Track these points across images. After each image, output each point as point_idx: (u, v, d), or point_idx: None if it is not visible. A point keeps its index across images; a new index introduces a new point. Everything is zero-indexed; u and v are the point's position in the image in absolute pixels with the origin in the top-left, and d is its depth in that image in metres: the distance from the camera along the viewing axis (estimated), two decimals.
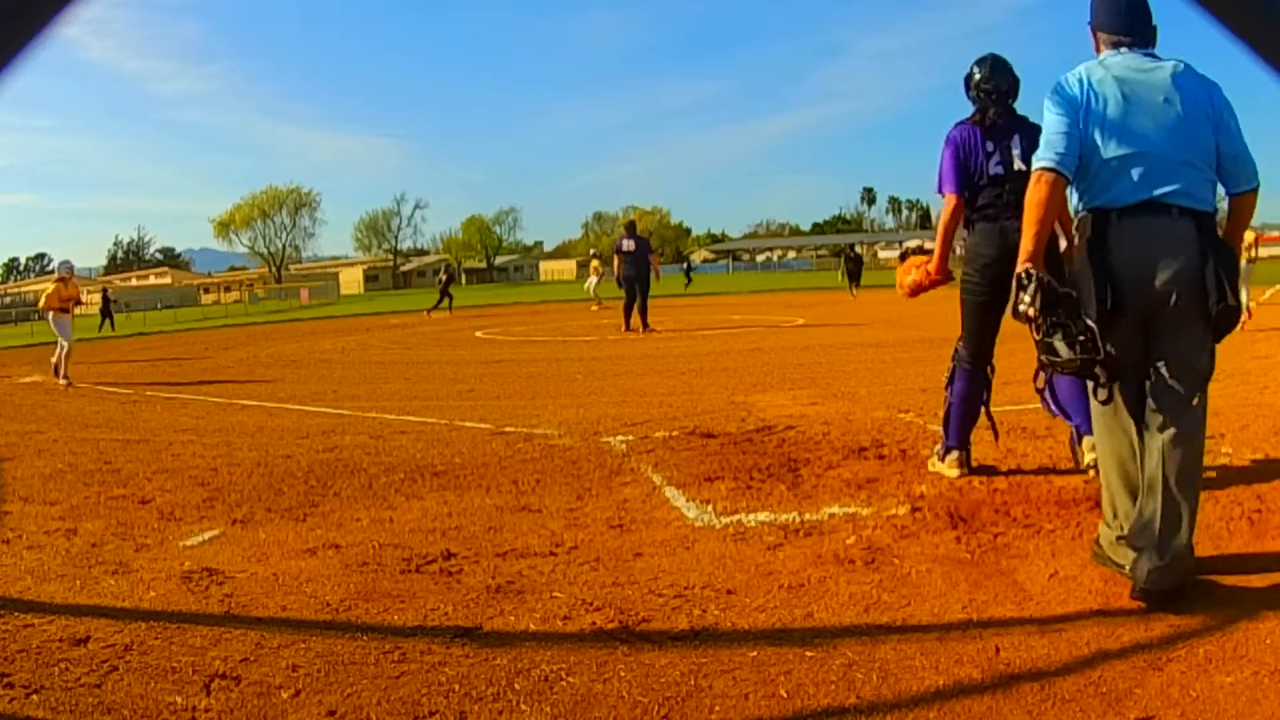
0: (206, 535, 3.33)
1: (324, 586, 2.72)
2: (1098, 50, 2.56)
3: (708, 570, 2.72)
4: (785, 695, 1.92)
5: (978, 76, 3.58)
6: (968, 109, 3.63)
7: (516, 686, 2.00)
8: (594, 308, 20.61)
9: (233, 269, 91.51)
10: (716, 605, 2.43)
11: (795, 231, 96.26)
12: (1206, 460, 3.73)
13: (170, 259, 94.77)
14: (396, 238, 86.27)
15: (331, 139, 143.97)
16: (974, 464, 3.68)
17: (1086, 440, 3.36)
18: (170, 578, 2.84)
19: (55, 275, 10.40)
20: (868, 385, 6.57)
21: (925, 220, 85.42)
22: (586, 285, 22.53)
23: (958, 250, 3.78)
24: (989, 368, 3.65)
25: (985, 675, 1.96)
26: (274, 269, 77.41)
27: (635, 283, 12.81)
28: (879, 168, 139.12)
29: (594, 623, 2.36)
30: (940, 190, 3.64)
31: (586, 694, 1.96)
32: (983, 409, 3.67)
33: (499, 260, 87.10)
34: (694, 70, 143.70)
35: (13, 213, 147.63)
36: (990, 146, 3.52)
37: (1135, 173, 2.36)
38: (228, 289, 68.30)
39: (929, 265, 3.80)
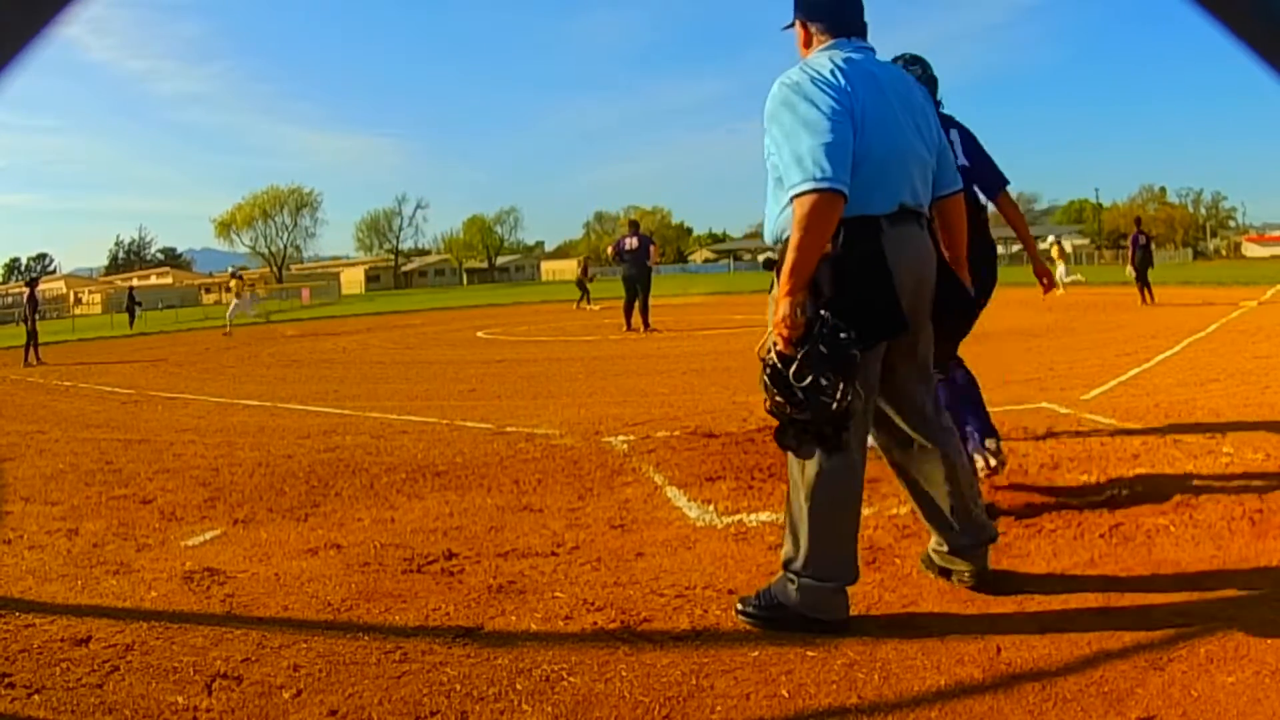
0: (208, 535, 3.34)
1: (325, 586, 2.72)
2: (806, 44, 2.30)
3: (709, 570, 2.72)
4: (787, 695, 1.92)
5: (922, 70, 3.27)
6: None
7: (518, 686, 2.00)
8: (226, 333, 18.15)
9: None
10: (718, 605, 2.43)
11: None
12: (1208, 459, 3.76)
13: (171, 259, 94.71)
14: (398, 238, 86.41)
15: (332, 139, 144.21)
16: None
17: (990, 441, 3.41)
18: (172, 578, 2.85)
19: None
20: None
21: None
22: (230, 312, 19.57)
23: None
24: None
25: (986, 675, 1.96)
26: (275, 269, 77.44)
27: (636, 282, 12.79)
28: None
29: (595, 623, 2.36)
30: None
31: (588, 694, 1.96)
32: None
33: (500, 260, 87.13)
34: (694, 70, 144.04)
35: (13, 213, 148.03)
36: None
37: (899, 176, 2.20)
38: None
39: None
